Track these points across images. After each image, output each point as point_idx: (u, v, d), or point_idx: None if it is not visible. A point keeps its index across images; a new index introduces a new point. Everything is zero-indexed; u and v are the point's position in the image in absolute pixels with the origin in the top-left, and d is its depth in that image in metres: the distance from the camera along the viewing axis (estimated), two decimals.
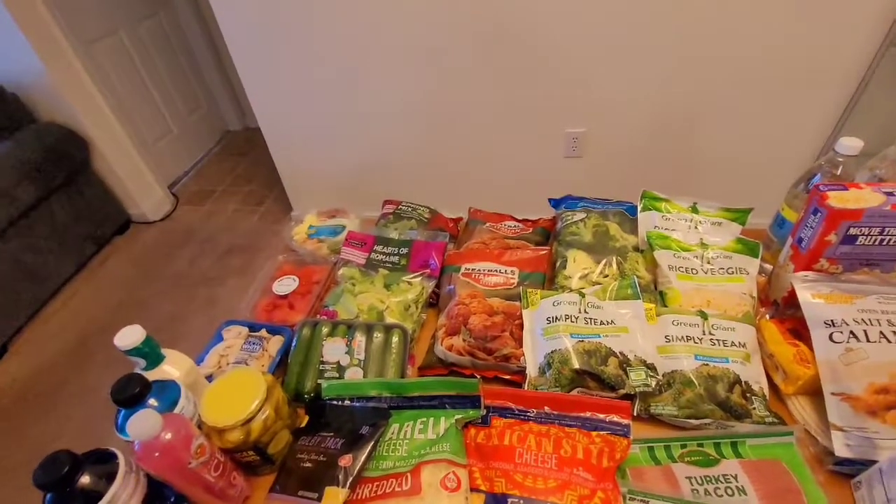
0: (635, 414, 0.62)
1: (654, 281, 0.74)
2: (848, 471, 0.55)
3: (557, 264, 0.79)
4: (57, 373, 1.72)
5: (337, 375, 0.67)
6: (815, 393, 0.59)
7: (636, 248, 0.77)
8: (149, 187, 2.38)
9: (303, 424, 0.64)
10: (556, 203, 0.94)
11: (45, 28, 1.88)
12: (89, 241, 2.19)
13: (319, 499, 0.51)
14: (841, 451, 0.53)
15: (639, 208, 0.80)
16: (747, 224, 0.79)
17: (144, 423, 0.46)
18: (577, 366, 0.63)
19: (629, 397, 0.62)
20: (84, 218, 2.15)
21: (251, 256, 2.10)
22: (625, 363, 0.63)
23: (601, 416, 0.59)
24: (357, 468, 0.53)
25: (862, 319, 0.57)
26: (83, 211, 2.15)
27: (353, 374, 0.67)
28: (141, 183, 2.34)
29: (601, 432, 0.58)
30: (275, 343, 0.73)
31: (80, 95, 2.06)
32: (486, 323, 0.70)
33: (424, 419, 0.61)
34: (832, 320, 0.58)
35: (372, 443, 0.56)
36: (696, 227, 0.76)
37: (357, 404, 0.63)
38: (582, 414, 0.60)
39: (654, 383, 0.62)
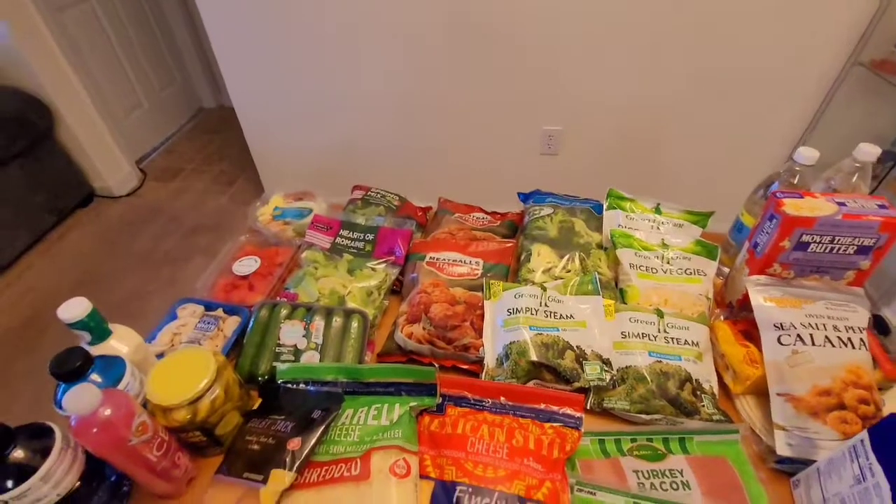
0: (588, 407, 0.62)
1: (615, 278, 0.74)
2: (788, 469, 0.56)
3: (522, 257, 0.79)
4: (5, 349, 1.63)
5: (293, 359, 0.65)
6: (761, 393, 0.60)
7: (600, 246, 0.77)
8: (115, 161, 2.27)
9: (255, 407, 0.62)
10: (524, 197, 0.93)
11: None
12: (49, 213, 2.07)
13: (264, 481, 0.49)
14: (783, 449, 0.54)
15: (605, 206, 0.80)
16: (710, 227, 0.80)
17: (81, 397, 0.44)
18: (534, 358, 0.62)
19: (583, 391, 0.62)
20: (43, 188, 2.03)
21: (218, 236, 2.04)
22: (581, 357, 0.63)
23: (555, 407, 0.59)
24: (305, 452, 0.51)
25: (809, 324, 0.58)
26: (43, 181, 2.03)
27: (310, 358, 0.65)
28: (107, 156, 2.23)
29: (554, 424, 0.58)
30: (231, 323, 0.70)
31: (46, 62, 1.95)
32: (448, 312, 0.69)
33: (379, 405, 0.60)
34: (781, 323, 0.59)
35: (322, 427, 0.54)
36: (658, 228, 0.77)
37: (311, 388, 0.61)
38: (536, 405, 0.60)
39: (608, 378, 0.62)
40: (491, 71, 1.64)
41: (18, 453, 0.45)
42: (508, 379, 0.63)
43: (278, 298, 0.73)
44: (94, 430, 0.45)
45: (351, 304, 0.72)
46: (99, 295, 1.78)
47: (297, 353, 0.66)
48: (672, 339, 0.64)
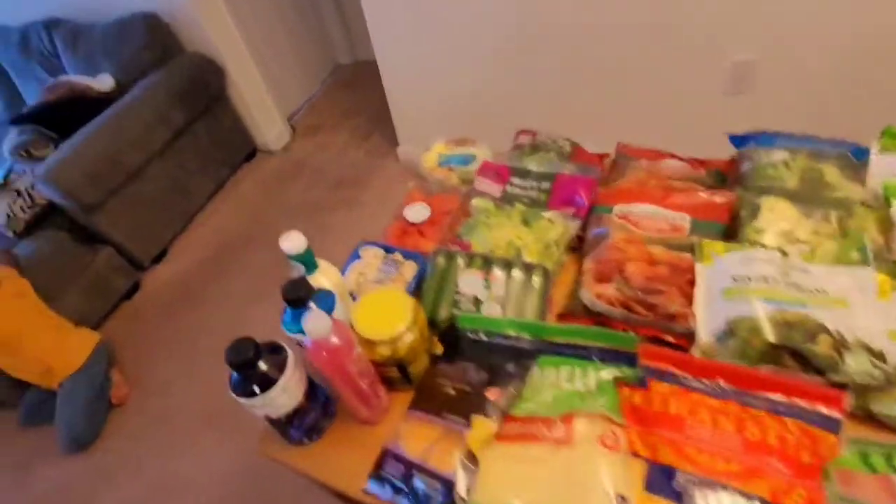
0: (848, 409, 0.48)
1: (887, 246, 0.56)
2: None
3: (744, 214, 0.64)
4: (203, 275, 1.99)
5: (473, 308, 0.63)
6: None
7: (864, 203, 0.59)
8: (272, 118, 2.50)
9: (437, 351, 0.61)
10: (739, 140, 0.75)
11: None
12: (225, 166, 2.40)
13: (468, 425, 0.48)
14: None
15: (873, 150, 0.60)
16: None
17: (319, 322, 0.47)
18: (772, 339, 0.50)
19: (841, 386, 0.49)
20: (221, 145, 2.35)
21: (359, 189, 2.16)
22: (840, 344, 0.49)
23: (801, 402, 0.47)
24: (505, 403, 0.49)
25: None
26: (221, 138, 2.34)
27: (491, 310, 0.62)
28: (266, 114, 2.47)
29: (798, 421, 0.46)
30: (409, 268, 0.70)
31: (219, 26, 2.15)
32: (648, 274, 0.59)
33: (570, 368, 0.55)
34: None
35: (518, 381, 0.51)
36: None
37: (496, 341, 0.58)
38: (771, 395, 0.49)
39: (880, 375, 0.48)
40: None
41: (262, 366, 0.50)
42: (733, 360, 0.52)
43: (451, 246, 0.70)
44: (324, 353, 0.48)
45: (527, 258, 0.67)
46: (266, 237, 2.04)
47: (476, 302, 0.63)
48: None
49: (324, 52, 2.93)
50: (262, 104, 2.44)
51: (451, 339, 0.61)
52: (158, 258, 2.11)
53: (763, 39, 1.38)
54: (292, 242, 0.58)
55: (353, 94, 2.75)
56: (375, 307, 0.57)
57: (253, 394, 0.49)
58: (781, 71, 1.42)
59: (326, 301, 0.55)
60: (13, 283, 1.52)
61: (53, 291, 1.69)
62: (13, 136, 1.93)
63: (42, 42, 2.19)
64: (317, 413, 0.57)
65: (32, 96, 2.22)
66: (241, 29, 2.24)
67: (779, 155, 0.65)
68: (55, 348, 1.53)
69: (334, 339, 0.48)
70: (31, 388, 1.58)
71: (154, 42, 2.08)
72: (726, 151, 0.77)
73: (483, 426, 0.49)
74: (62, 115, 1.94)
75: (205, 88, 2.18)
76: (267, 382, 0.49)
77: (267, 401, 0.50)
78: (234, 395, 0.51)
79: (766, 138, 0.70)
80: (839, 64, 1.37)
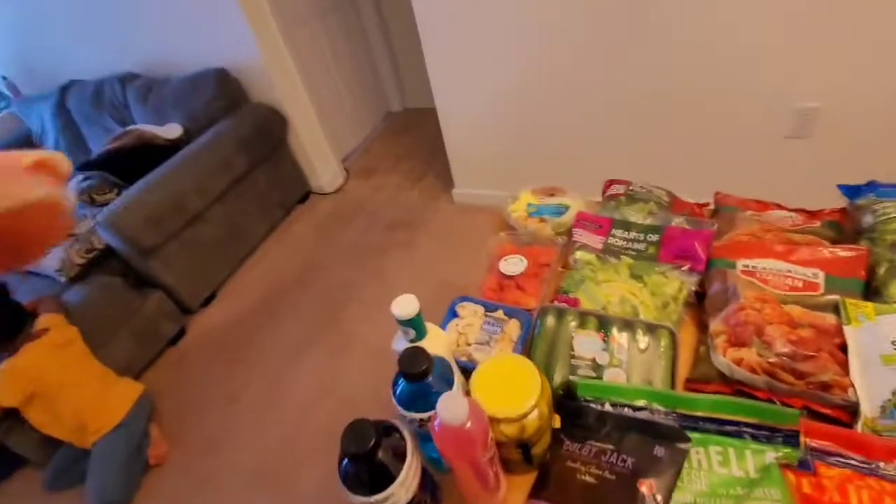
0: None
1: None
2: None
3: (882, 271, 0.59)
4: (252, 319, 2.00)
5: (593, 374, 0.59)
6: None
7: None
8: (327, 162, 2.61)
9: (555, 425, 0.57)
10: (852, 190, 0.72)
11: (263, 17, 2.12)
12: (279, 208, 2.49)
13: None
14: None
15: None
16: None
17: (458, 407, 0.42)
18: None
19: None
20: (278, 188, 2.45)
21: (413, 230, 2.17)
22: None
23: None
24: (665, 499, 0.44)
25: None
26: (278, 181, 2.44)
27: (614, 376, 0.58)
28: (322, 158, 2.57)
29: None
30: (513, 327, 0.68)
31: (285, 78, 2.28)
32: (792, 338, 0.54)
33: (721, 449, 0.50)
34: None
35: (675, 469, 0.46)
36: None
37: (625, 413, 0.54)
38: None
39: None
40: (726, 41, 1.38)
41: (381, 455, 0.43)
42: None
43: (558, 303, 0.68)
44: (455, 439, 0.43)
45: (644, 317, 0.63)
46: (320, 280, 2.07)
47: (597, 368, 0.59)
48: None
49: (377, 100, 3.07)
50: (319, 150, 2.55)
51: (569, 410, 0.57)
52: (207, 301, 2.11)
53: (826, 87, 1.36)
54: (405, 306, 0.53)
55: (405, 138, 2.85)
56: (497, 378, 0.52)
57: (370, 491, 0.43)
58: (842, 117, 1.39)
59: (445, 374, 0.51)
60: (60, 332, 1.47)
61: (101, 338, 1.66)
62: (77, 181, 1.96)
63: (115, 94, 2.35)
64: (428, 501, 0.51)
65: (98, 145, 2.31)
66: (303, 79, 2.37)
67: None
68: (95, 404, 1.46)
69: (468, 424, 0.42)
70: (62, 447, 1.50)
71: (222, 94, 2.20)
72: (785, 196, 0.74)
73: None
74: (129, 163, 1.99)
75: (268, 136, 2.30)
76: (384, 475, 0.43)
77: (386, 499, 0.43)
78: (346, 489, 0.44)
79: (885, 190, 0.66)
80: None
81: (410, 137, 2.81)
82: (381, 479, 0.44)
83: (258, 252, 2.35)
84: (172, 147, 2.08)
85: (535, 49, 1.61)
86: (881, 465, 0.46)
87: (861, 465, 0.46)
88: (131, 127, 2.18)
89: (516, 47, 1.64)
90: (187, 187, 1.96)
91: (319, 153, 2.55)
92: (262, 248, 2.37)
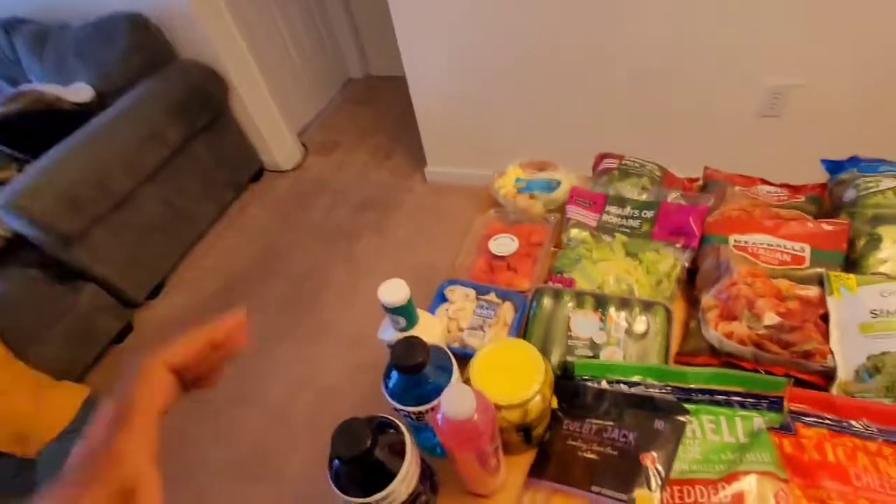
0: None
1: None
2: None
3: (861, 244, 0.67)
4: (209, 311, 1.93)
5: (590, 354, 0.64)
6: None
7: None
8: (281, 135, 2.51)
9: (553, 405, 0.62)
10: (834, 165, 0.80)
11: None
12: (229, 188, 2.37)
13: (624, 499, 0.48)
14: None
15: None
16: None
17: (464, 401, 0.43)
18: None
19: None
20: (224, 163, 2.29)
21: (385, 212, 2.17)
22: None
23: None
24: (666, 471, 0.49)
25: None
26: (223, 156, 2.28)
27: (611, 355, 0.63)
28: (274, 130, 2.46)
29: None
30: (507, 310, 0.72)
31: (221, 32, 2.07)
32: (780, 310, 0.62)
33: (712, 417, 0.56)
34: None
35: (675, 441, 0.52)
36: None
37: (619, 389, 0.60)
38: None
39: None
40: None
41: (378, 454, 0.43)
42: (880, 398, 0.54)
43: (553, 284, 0.72)
44: (461, 434, 0.45)
45: (638, 294, 0.69)
46: (284, 267, 2.04)
47: (594, 347, 0.64)
48: None
49: (334, 65, 2.96)
50: (270, 120, 2.42)
51: (566, 389, 0.62)
52: (154, 293, 2.03)
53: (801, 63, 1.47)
54: (394, 292, 0.52)
55: (368, 110, 2.80)
56: (498, 363, 0.55)
57: (367, 492, 0.43)
58: (818, 96, 1.51)
59: (444, 365, 0.52)
60: None
61: (26, 341, 1.55)
62: None
63: (0, 46, 2.08)
64: (426, 495, 0.52)
65: None
66: (246, 37, 2.18)
67: (887, 182, 0.69)
68: (30, 411, 1.40)
69: (475, 418, 0.43)
70: (1, 458, 1.41)
71: (140, 46, 1.99)
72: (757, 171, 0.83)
73: (646, 502, 0.47)
74: (28, 131, 1.81)
75: (206, 101, 2.11)
76: (381, 473, 0.43)
77: (386, 497, 0.44)
78: (337, 491, 0.44)
79: (867, 165, 0.74)
80: (875, 88, 1.45)
81: (375, 109, 2.77)
82: (377, 477, 0.44)
83: (209, 237, 2.27)
84: (81, 113, 1.85)
85: (515, 16, 1.62)
86: (852, 422, 0.54)
87: (833, 423, 0.54)
88: (26, 86, 1.91)
89: (494, 12, 1.64)
90: (110, 162, 1.77)
91: (270, 123, 2.42)
92: (213, 232, 2.30)
